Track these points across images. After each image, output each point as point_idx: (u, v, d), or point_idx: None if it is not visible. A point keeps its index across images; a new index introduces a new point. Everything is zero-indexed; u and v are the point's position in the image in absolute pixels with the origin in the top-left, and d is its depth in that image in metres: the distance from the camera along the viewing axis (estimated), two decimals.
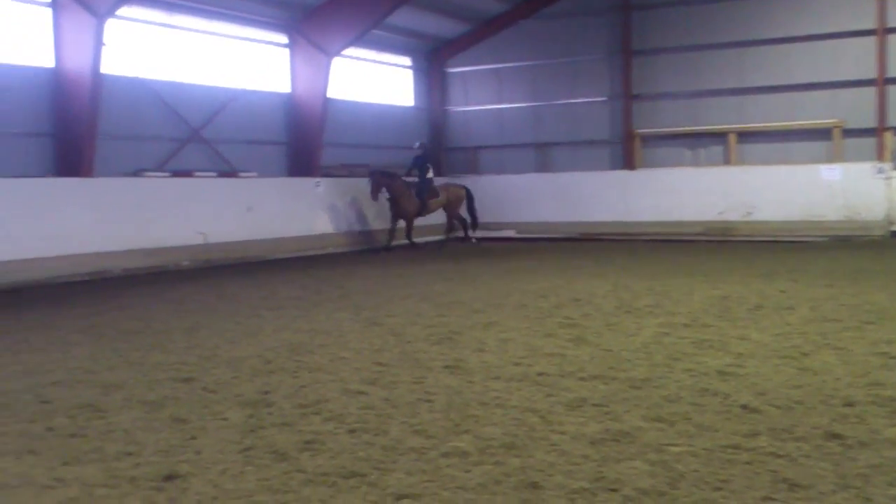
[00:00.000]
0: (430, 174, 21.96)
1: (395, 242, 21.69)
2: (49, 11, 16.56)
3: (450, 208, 22.70)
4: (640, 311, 10.48)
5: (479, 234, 24.10)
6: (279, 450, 5.28)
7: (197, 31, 20.12)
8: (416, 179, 21.70)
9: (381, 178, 20.90)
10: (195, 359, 8.12)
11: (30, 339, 9.40)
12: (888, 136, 22.23)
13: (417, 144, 21.91)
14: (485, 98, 27.99)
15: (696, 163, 24.89)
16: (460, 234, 23.38)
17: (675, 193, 23.97)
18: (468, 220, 23.23)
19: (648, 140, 25.72)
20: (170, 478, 4.83)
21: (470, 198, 23.16)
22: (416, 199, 21.49)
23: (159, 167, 18.73)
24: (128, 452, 5.27)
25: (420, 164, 21.77)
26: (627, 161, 25.75)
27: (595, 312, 10.42)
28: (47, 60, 16.64)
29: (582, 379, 6.99)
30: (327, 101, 22.59)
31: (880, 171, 21.56)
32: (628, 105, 25.78)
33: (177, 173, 18.79)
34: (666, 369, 7.26)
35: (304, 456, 5.17)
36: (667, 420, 5.75)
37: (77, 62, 16.44)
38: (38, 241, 15.18)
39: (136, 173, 18.06)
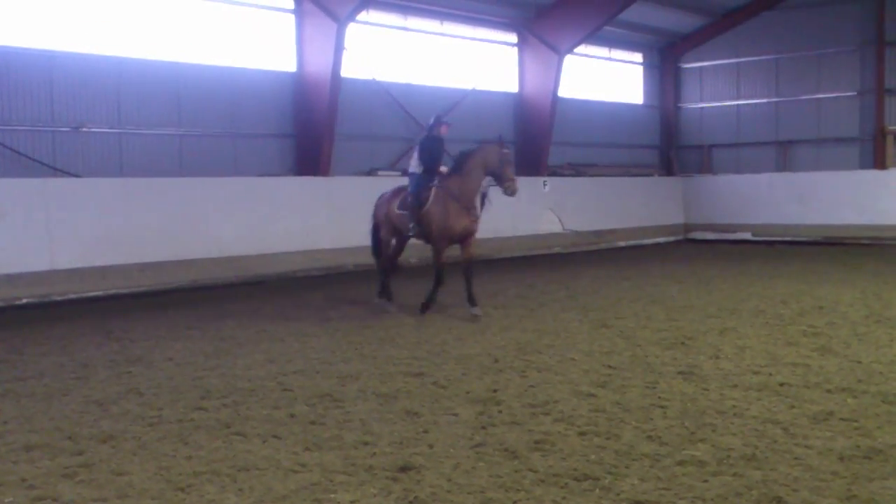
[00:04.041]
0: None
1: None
2: (292, 18, 17.69)
3: None
4: (891, 320, 9.72)
5: (712, 235, 23.11)
6: (510, 448, 5.32)
7: (429, 32, 20.80)
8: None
9: None
10: (425, 354, 8.39)
11: (272, 329, 10.09)
12: None
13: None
14: (721, 94, 26.85)
15: None
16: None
17: None
18: None
19: None
20: (405, 469, 5.00)
21: None
22: None
23: (391, 166, 19.53)
24: (364, 442, 5.52)
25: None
26: (878, 160, 23.79)
27: (841, 321, 9.73)
28: (290, 65, 17.78)
29: (828, 391, 6.55)
30: (557, 100, 22.57)
31: None
32: (881, 100, 23.77)
33: (406, 172, 19.47)
34: None
35: (534, 455, 5.18)
36: None
37: (318, 66, 17.46)
38: (278, 236, 16.27)
39: (370, 172, 18.94)
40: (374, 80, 19.42)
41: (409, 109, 19.99)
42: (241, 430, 5.81)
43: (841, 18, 24.32)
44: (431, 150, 11.25)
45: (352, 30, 18.20)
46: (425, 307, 11.00)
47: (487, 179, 10.99)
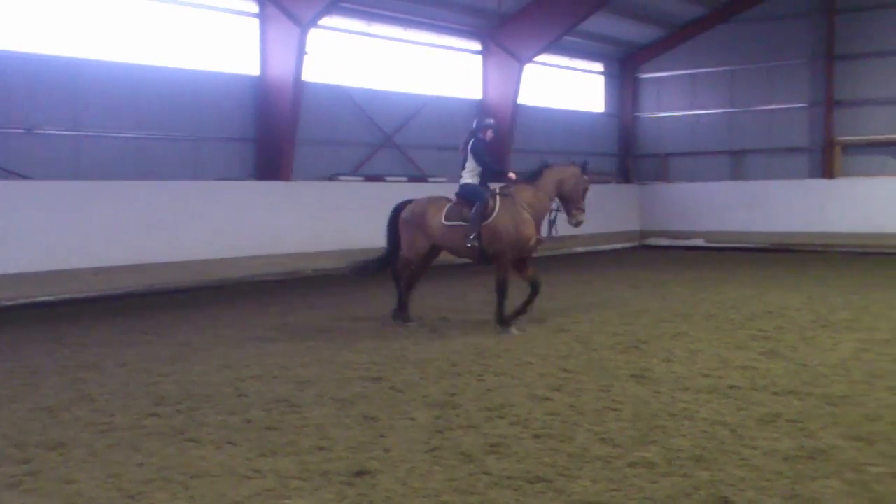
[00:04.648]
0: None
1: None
2: (256, 22, 17.61)
3: None
4: (837, 325, 9.99)
5: (667, 242, 23.47)
6: (465, 451, 5.39)
7: (393, 39, 20.81)
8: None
9: None
10: (384, 359, 8.42)
11: (230, 334, 10.04)
12: None
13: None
14: (678, 104, 27.28)
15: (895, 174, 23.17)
16: None
17: (877, 204, 22.61)
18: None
19: (849, 148, 24.29)
20: (360, 474, 5.03)
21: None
22: None
23: (353, 171, 19.53)
24: (320, 447, 5.53)
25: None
26: (826, 170, 24.37)
27: (789, 325, 9.97)
28: (252, 69, 17.69)
29: (775, 393, 6.73)
30: (517, 107, 22.75)
31: None
32: (830, 111, 24.35)
33: (369, 178, 19.52)
34: (866, 387, 6.92)
35: (489, 459, 5.25)
36: (866, 439, 5.49)
37: (280, 70, 17.40)
38: (238, 241, 16.18)
39: (332, 177, 18.93)
40: (337, 85, 19.41)
41: (372, 115, 20.01)
42: (195, 437, 5.79)
43: (793, 32, 24.88)
44: (485, 152, 10.33)
45: (315, 35, 18.18)
46: (506, 321, 9.91)
47: (556, 203, 10.26)
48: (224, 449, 5.54)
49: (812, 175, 24.64)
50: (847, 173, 24.09)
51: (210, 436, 5.82)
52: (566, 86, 26.39)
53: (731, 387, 6.96)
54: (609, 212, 25.20)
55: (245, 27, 17.52)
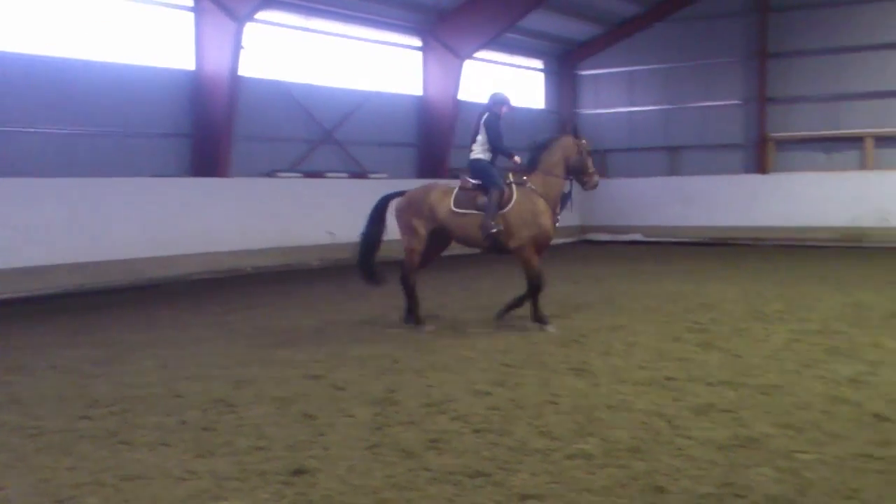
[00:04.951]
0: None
1: None
2: (191, 16, 17.31)
3: None
4: (770, 316, 10.21)
5: (606, 236, 23.74)
6: (405, 448, 5.37)
7: (332, 34, 20.65)
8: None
9: None
10: (323, 356, 8.34)
11: (165, 334, 9.85)
12: None
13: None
14: (616, 101, 27.63)
15: (830, 168, 23.90)
16: None
17: (808, 198, 23.32)
18: None
19: (782, 144, 24.92)
20: (298, 472, 4.97)
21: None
22: None
23: (292, 168, 19.35)
24: (258, 447, 5.45)
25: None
26: (760, 165, 24.97)
27: (724, 317, 10.17)
28: (188, 63, 17.40)
29: (710, 384, 6.85)
30: (458, 104, 22.79)
31: None
32: (762, 108, 24.95)
33: (309, 174, 19.37)
34: (796, 376, 7.09)
35: (429, 454, 5.24)
36: (796, 427, 5.62)
37: (216, 65, 17.13)
38: (174, 239, 15.90)
39: (270, 174, 18.72)
40: (275, 80, 19.19)
41: (311, 111, 19.84)
42: (129, 439, 5.66)
43: (727, 31, 25.41)
44: (499, 130, 9.93)
45: (252, 29, 17.96)
46: (541, 319, 9.60)
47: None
48: (158, 451, 5.42)
49: (746, 170, 25.21)
50: (779, 169, 24.70)
51: (144, 438, 5.69)
52: (506, 82, 26.50)
53: (668, 378, 7.06)
54: None
55: (180, 21, 17.21)
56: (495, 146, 9.87)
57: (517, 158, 9.88)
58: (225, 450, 5.42)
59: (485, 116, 10.00)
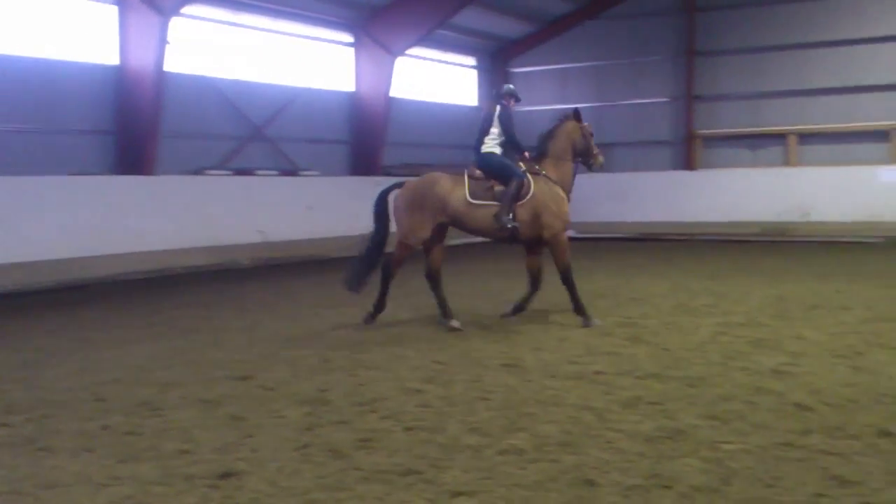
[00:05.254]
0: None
1: None
2: (115, 9, 16.88)
3: None
4: (697, 310, 10.40)
5: None
6: (336, 448, 5.31)
7: (262, 29, 20.39)
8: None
9: None
10: (254, 357, 8.22)
11: (89, 337, 9.58)
12: None
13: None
14: (548, 98, 27.81)
15: (755, 164, 24.56)
16: None
17: (734, 194, 23.92)
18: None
19: (709, 141, 25.53)
20: (226, 476, 4.88)
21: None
22: None
23: (221, 165, 19.04)
24: (184, 450, 5.34)
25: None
26: (688, 162, 25.51)
27: (653, 312, 10.33)
28: (111, 58, 16.96)
29: (638, 377, 6.95)
30: (390, 101, 22.70)
31: None
32: (690, 106, 25.50)
33: (238, 171, 19.08)
34: (721, 368, 7.23)
35: (360, 454, 5.20)
36: (721, 418, 5.73)
37: (141, 60, 16.74)
38: (99, 238, 15.48)
39: (198, 171, 18.38)
40: (202, 76, 18.85)
41: (240, 107, 19.56)
42: (48, 446, 5.48)
43: (656, 30, 25.89)
44: (513, 124, 9.70)
45: (178, 24, 17.60)
46: (584, 315, 9.50)
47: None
48: (80, 457, 5.26)
49: (675, 167, 25.72)
50: (707, 165, 25.29)
51: (64, 444, 5.52)
52: (439, 79, 26.55)
53: (598, 372, 7.14)
54: None
55: (103, 15, 16.78)
56: (512, 140, 9.71)
57: (527, 154, 9.82)
58: (149, 454, 5.29)
59: (498, 110, 9.78)
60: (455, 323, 9.46)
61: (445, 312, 9.63)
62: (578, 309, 9.58)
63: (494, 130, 9.74)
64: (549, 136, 9.87)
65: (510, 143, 9.74)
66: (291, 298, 12.58)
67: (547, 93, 27.84)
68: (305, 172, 20.69)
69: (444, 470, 4.87)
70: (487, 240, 10.22)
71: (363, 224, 20.84)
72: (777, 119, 24.24)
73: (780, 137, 24.29)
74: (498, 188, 9.45)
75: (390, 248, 10.02)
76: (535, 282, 9.94)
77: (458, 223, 9.63)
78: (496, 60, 28.21)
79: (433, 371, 7.41)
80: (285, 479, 4.80)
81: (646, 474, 4.70)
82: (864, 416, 5.67)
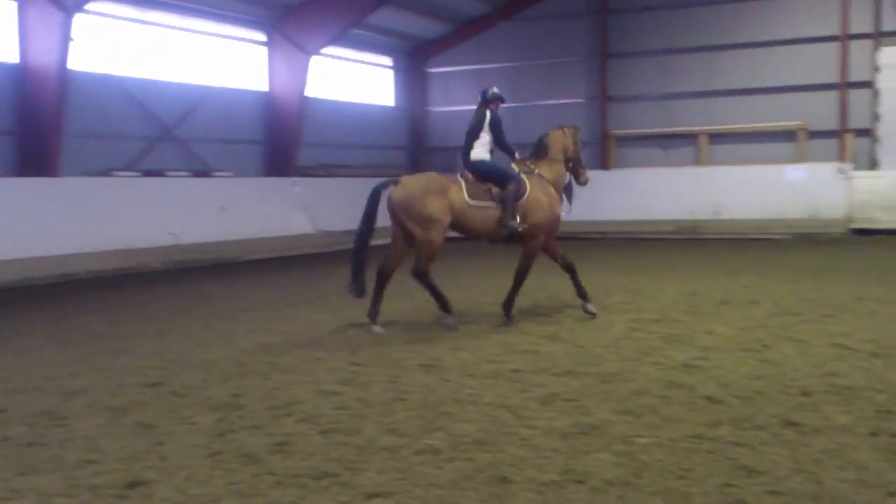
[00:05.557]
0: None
1: None
2: (14, 5, 16.25)
3: None
4: (612, 307, 10.58)
5: (454, 233, 23.97)
6: (249, 453, 5.20)
7: (170, 27, 19.91)
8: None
9: None
10: (164, 363, 7.99)
11: None
12: (849, 137, 22.65)
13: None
14: (465, 98, 27.88)
15: (667, 163, 25.18)
16: None
17: (647, 193, 24.41)
18: None
19: (623, 141, 26.07)
20: (133, 485, 4.73)
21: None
22: None
23: (130, 166, 18.51)
24: (89, 460, 5.15)
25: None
26: (603, 161, 25.97)
27: (569, 309, 10.43)
28: (11, 56, 16.32)
29: (554, 374, 7.01)
30: (306, 100, 22.45)
31: (841, 171, 22.23)
32: (604, 107, 25.99)
33: (148, 173, 18.57)
34: (635, 363, 7.36)
35: (274, 458, 5.10)
36: (634, 412, 5.82)
37: (43, 57, 16.14)
38: (2, 242, 14.90)
39: (105, 173, 17.82)
40: (109, 74, 18.30)
41: (150, 107, 19.06)
42: None
43: (570, 31, 26.32)
44: (502, 127, 9.74)
45: (82, 20, 17.04)
46: (509, 312, 9.64)
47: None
48: None
49: (590, 167, 25.94)
50: (621, 165, 25.82)
51: None
52: (356, 79, 26.40)
53: (515, 370, 7.18)
54: None
55: (2, 10, 16.13)
56: (502, 145, 9.75)
57: (518, 155, 9.92)
58: (52, 465, 5.08)
59: (489, 116, 9.72)
60: (377, 328, 9.30)
61: (371, 313, 9.48)
62: (508, 305, 9.66)
63: (485, 136, 9.69)
64: (543, 139, 10.11)
65: (502, 147, 9.80)
66: (204, 302, 12.30)
67: (464, 93, 27.94)
68: (218, 173, 20.30)
69: (360, 472, 4.81)
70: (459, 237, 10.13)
71: (278, 225, 20.98)
72: (688, 119, 24.92)
73: (691, 137, 24.99)
74: (495, 190, 9.47)
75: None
76: (570, 266, 9.93)
77: (458, 224, 9.52)
78: (413, 60, 28.22)
79: (350, 373, 7.33)
80: (196, 487, 4.68)
81: (560, 470, 4.73)
82: (770, 408, 5.83)
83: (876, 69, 22.51)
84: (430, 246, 9.31)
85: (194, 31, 20.55)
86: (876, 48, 22.47)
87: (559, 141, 10.10)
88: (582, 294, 9.87)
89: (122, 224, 17.17)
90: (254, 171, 22.12)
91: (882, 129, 22.52)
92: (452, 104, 28.25)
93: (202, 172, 19.98)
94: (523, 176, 9.63)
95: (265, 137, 22.43)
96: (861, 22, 22.76)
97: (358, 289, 9.60)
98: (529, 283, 11.69)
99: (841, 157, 22.76)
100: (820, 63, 23.36)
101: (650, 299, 11.16)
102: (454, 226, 9.54)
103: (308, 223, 22.08)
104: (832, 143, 23.32)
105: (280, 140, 22.37)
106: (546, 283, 13.28)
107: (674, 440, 5.19)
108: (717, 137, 24.74)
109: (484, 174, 9.58)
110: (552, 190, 9.86)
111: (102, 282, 15.38)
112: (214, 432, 5.67)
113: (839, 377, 6.63)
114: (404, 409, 6.08)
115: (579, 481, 4.55)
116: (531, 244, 9.68)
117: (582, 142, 10.30)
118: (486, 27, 27.20)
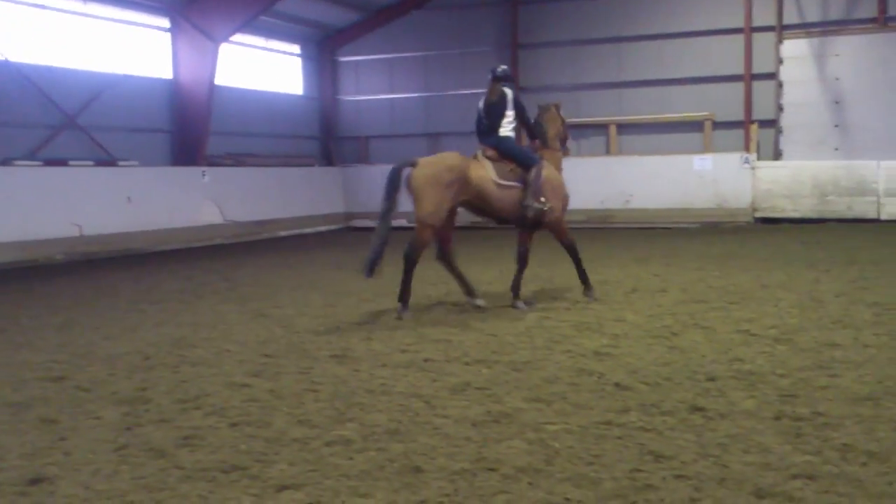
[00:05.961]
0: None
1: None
2: None
3: None
4: (524, 297, 10.62)
5: (372, 223, 23.89)
6: (156, 447, 5.12)
7: (70, 12, 19.22)
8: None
9: None
10: (68, 356, 7.78)
11: None
12: (754, 128, 23.44)
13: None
14: (376, 87, 27.88)
15: (578, 153, 25.55)
16: None
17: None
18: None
19: None
20: (35, 481, 4.61)
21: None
22: None
23: (30, 156, 17.85)
24: None
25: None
26: None
27: (484, 298, 10.50)
28: None
29: (467, 363, 7.07)
30: (214, 88, 21.99)
31: (746, 161, 22.89)
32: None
33: (49, 162, 17.92)
34: (546, 352, 7.46)
35: (182, 452, 5.03)
36: (545, 400, 5.91)
37: None
38: None
39: (5, 162, 17.14)
40: (5, 61, 17.58)
41: (50, 94, 18.38)
42: None
43: (481, 21, 26.41)
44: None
45: None
46: (588, 286, 10.19)
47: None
48: None
49: None
50: None
51: None
52: (264, 67, 26.00)
53: (427, 360, 7.22)
54: (313, 195, 25.30)
55: None
56: (528, 123, 9.96)
57: (537, 141, 10.11)
58: None
59: (510, 94, 9.82)
60: (480, 301, 9.66)
61: (468, 291, 9.75)
62: (585, 280, 10.22)
63: (510, 114, 9.76)
64: (541, 123, 10.19)
65: (528, 126, 10.07)
66: (110, 294, 11.97)
67: (375, 82, 27.89)
68: (124, 163, 19.73)
69: (270, 464, 4.78)
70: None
71: (186, 216, 20.52)
72: (598, 110, 25.27)
73: (601, 128, 25.39)
74: (519, 171, 9.54)
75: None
76: (524, 261, 10.06)
77: (482, 204, 9.45)
78: (322, 49, 27.93)
79: (261, 365, 7.26)
80: (101, 482, 4.58)
81: (472, 458, 4.78)
82: (677, 393, 5.97)
83: (779, 61, 23.30)
84: (424, 230, 9.39)
85: (96, 17, 19.88)
86: (779, 41, 23.27)
87: (552, 123, 10.30)
88: (516, 289, 10.00)
89: (23, 215, 16.56)
90: (161, 160, 21.58)
91: (785, 120, 23.28)
92: (364, 93, 28.10)
93: (107, 162, 19.39)
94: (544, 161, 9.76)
95: (172, 126, 21.90)
96: (764, 15, 23.45)
97: (368, 268, 9.49)
98: (442, 273, 11.80)
99: (746, 148, 23.46)
100: (726, 55, 23.96)
101: (561, 288, 11.34)
102: (473, 207, 9.54)
103: (217, 213, 21.68)
104: (738, 134, 24.02)
105: (187, 129, 21.86)
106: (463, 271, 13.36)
107: (584, 427, 5.28)
108: (627, 128, 25.21)
109: (510, 153, 9.62)
110: (559, 175, 10.16)
111: (3, 274, 14.82)
112: (121, 426, 5.56)
113: (744, 363, 6.82)
114: (315, 401, 6.06)
115: (491, 469, 4.60)
116: (559, 228, 10.03)
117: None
118: (397, 15, 27.09)
